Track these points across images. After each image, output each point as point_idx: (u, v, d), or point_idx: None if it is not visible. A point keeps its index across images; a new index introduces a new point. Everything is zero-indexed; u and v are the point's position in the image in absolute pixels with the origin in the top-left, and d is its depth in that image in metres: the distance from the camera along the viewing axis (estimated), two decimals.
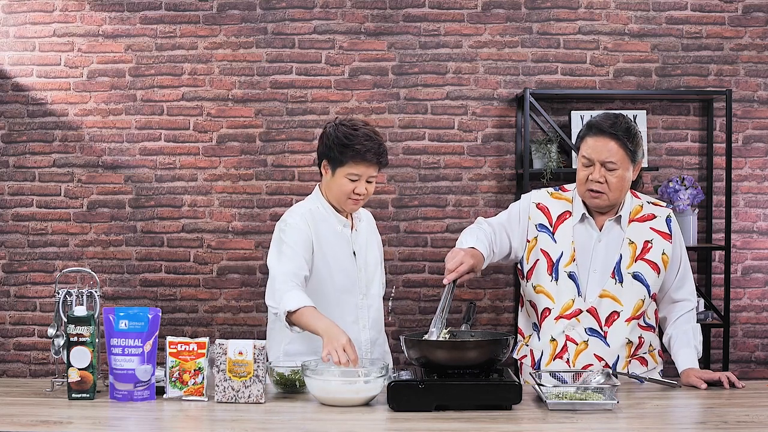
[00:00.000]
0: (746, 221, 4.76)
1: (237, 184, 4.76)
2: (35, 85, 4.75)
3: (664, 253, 2.99)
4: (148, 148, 4.76)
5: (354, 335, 3.08)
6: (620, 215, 2.99)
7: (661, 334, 3.10)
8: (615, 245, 2.98)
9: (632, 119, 3.03)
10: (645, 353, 3.02)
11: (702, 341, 3.04)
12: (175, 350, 2.68)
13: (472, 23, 4.74)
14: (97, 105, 4.75)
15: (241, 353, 2.63)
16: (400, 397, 2.51)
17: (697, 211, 4.64)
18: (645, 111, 4.68)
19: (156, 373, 2.73)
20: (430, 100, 4.75)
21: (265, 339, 2.86)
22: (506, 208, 3.16)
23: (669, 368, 3.11)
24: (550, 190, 3.10)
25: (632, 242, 2.98)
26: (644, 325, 3.01)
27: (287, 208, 3.35)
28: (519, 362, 3.12)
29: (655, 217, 3.02)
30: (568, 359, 2.96)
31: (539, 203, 3.05)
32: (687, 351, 2.97)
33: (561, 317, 2.97)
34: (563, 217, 3.02)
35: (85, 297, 2.84)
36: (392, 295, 3.37)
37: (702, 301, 4.56)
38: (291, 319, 2.83)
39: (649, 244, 2.98)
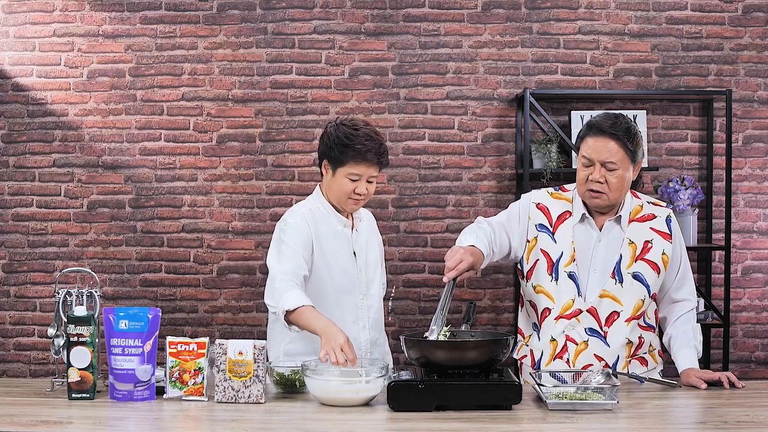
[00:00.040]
0: (746, 221, 4.76)
1: (237, 184, 4.76)
2: (35, 85, 4.75)
3: (664, 253, 2.99)
4: (148, 148, 4.76)
5: (354, 335, 3.08)
6: (620, 215, 2.99)
7: (661, 334, 3.10)
8: (615, 245, 2.98)
9: (632, 119, 3.03)
10: (645, 353, 3.02)
11: (702, 341, 3.04)
12: (175, 350, 2.68)
13: (472, 23, 4.74)
14: (97, 105, 4.75)
15: (241, 353, 2.63)
16: (400, 397, 2.51)
17: (697, 211, 4.64)
18: (645, 111, 4.68)
19: (156, 373, 2.73)
20: (430, 100, 4.75)
21: (265, 339, 2.86)
22: (506, 208, 3.16)
23: (669, 368, 3.11)
24: (550, 190, 3.10)
25: (632, 242, 2.98)
26: (644, 325, 3.01)
27: (287, 208, 3.35)
28: (519, 362, 3.12)
29: (655, 217, 3.02)
30: (568, 359, 2.96)
31: (539, 203, 3.05)
32: (687, 351, 2.97)
33: (561, 317, 2.97)
34: (563, 217, 3.02)
35: (85, 297, 2.84)
36: (392, 295, 3.38)
37: (702, 301, 4.56)
38: (289, 318, 2.83)
39: (649, 244, 2.98)
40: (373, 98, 4.74)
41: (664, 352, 3.10)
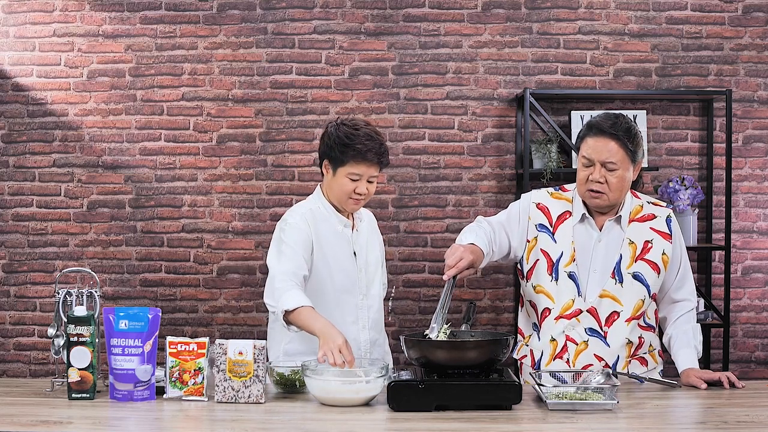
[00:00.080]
0: (746, 221, 4.76)
1: (237, 184, 4.76)
2: (35, 85, 4.75)
3: (664, 253, 2.99)
4: (148, 148, 4.76)
5: (354, 335, 3.08)
6: (620, 215, 2.99)
7: (661, 334, 3.10)
8: (615, 245, 2.98)
9: (632, 119, 3.02)
10: (645, 353, 3.02)
11: (702, 341, 3.04)
12: (175, 350, 2.68)
13: (472, 23, 4.74)
14: (97, 105, 4.75)
15: (241, 353, 2.63)
16: (400, 397, 2.51)
17: (697, 211, 4.64)
18: (645, 111, 4.68)
19: (156, 373, 2.73)
20: (430, 100, 4.75)
21: (265, 339, 2.86)
22: (506, 208, 3.16)
23: (669, 368, 3.11)
24: (550, 190, 3.10)
25: (632, 242, 2.98)
26: (644, 325, 3.01)
27: (287, 208, 3.35)
28: (519, 362, 3.12)
29: (655, 217, 3.02)
30: (568, 359, 2.96)
31: (539, 203, 3.05)
32: (687, 351, 2.97)
33: (561, 317, 2.97)
34: (563, 217, 3.02)
35: (85, 297, 2.84)
36: (392, 295, 3.38)
37: (702, 301, 4.56)
38: (288, 318, 2.83)
39: (649, 244, 2.98)
40: (373, 98, 4.74)
41: (664, 352, 3.10)
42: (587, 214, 2.99)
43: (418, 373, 2.64)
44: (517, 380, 2.55)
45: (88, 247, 4.77)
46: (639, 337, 2.99)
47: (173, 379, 2.67)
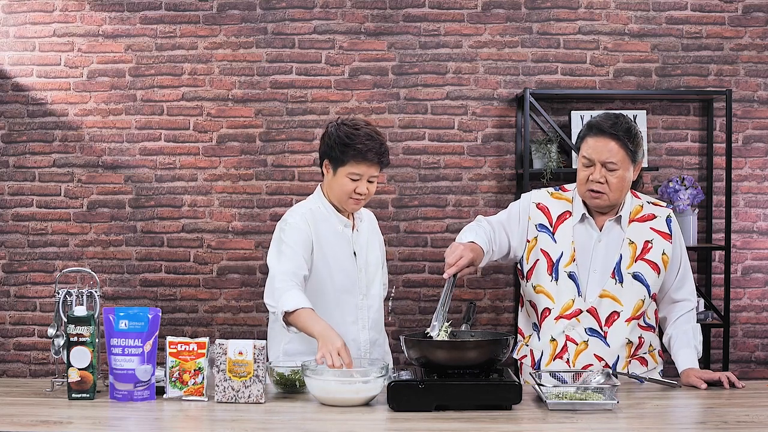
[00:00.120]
0: (746, 221, 4.76)
1: (237, 184, 4.76)
2: (35, 85, 4.75)
3: (664, 253, 2.99)
4: (148, 148, 4.76)
5: (353, 335, 3.09)
6: (620, 215, 2.99)
7: (661, 334, 3.10)
8: (615, 245, 2.98)
9: (632, 119, 3.02)
10: (645, 353, 3.02)
11: (702, 341, 3.04)
12: (175, 350, 2.68)
13: (472, 23, 4.74)
14: (97, 105, 4.75)
15: (241, 353, 2.63)
16: (400, 397, 2.51)
17: (697, 211, 4.64)
18: (645, 111, 4.68)
19: (156, 373, 2.73)
20: (430, 100, 4.75)
21: (265, 339, 2.86)
22: (506, 208, 3.16)
23: (669, 368, 3.11)
24: (551, 190, 3.10)
25: (632, 242, 2.98)
26: (644, 325, 3.01)
27: (287, 208, 3.35)
28: (519, 362, 3.12)
29: (655, 217, 3.02)
30: (568, 359, 2.96)
31: (539, 203, 3.05)
32: (687, 351, 2.97)
33: (561, 317, 2.97)
34: (563, 217, 3.01)
35: (85, 297, 2.84)
36: (392, 295, 3.38)
37: (702, 301, 4.56)
38: (288, 319, 2.83)
39: (650, 244, 2.98)
40: (373, 98, 4.74)
41: (664, 352, 3.10)
42: (587, 214, 2.99)
43: (418, 373, 2.64)
44: (517, 380, 2.55)
45: (88, 247, 4.77)
46: (639, 337, 2.99)
47: (173, 379, 2.67)
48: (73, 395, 2.67)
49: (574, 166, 4.55)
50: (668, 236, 3.01)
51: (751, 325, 4.79)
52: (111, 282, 4.77)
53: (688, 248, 3.82)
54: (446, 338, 2.69)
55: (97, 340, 2.70)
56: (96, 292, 2.86)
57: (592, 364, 2.94)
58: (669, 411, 2.60)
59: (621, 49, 4.74)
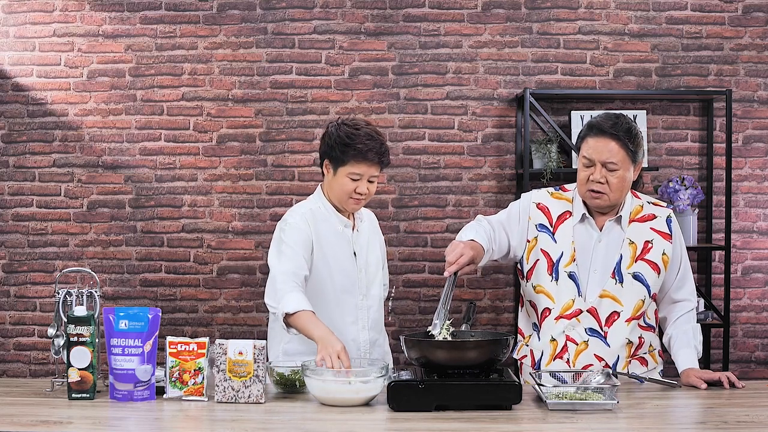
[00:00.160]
0: (746, 221, 4.76)
1: (237, 184, 4.76)
2: (35, 85, 4.75)
3: (664, 254, 2.99)
4: (148, 148, 4.76)
5: (353, 336, 3.09)
6: (620, 215, 2.99)
7: (661, 334, 3.10)
8: (615, 245, 2.98)
9: (632, 119, 3.02)
10: (645, 353, 3.02)
11: (702, 341, 3.03)
12: (175, 350, 2.68)
13: (472, 23, 4.74)
14: (97, 105, 4.75)
15: (241, 353, 2.63)
16: (400, 397, 2.51)
17: (697, 211, 4.64)
18: (645, 111, 4.68)
19: (156, 373, 2.73)
20: (430, 100, 4.75)
21: (265, 339, 2.86)
22: (506, 208, 3.16)
23: (669, 368, 3.11)
24: (551, 189, 3.10)
25: (632, 242, 2.98)
26: (644, 325, 3.01)
27: (287, 208, 3.35)
28: (519, 362, 3.12)
29: (655, 217, 3.02)
30: (568, 359, 2.96)
31: (539, 203, 3.05)
32: (687, 351, 2.97)
33: (561, 317, 2.97)
34: (563, 217, 3.01)
35: (85, 297, 2.84)
36: (392, 295, 3.38)
37: (702, 301, 4.56)
38: (288, 321, 2.84)
39: (650, 245, 2.98)
40: (373, 98, 4.74)
41: (664, 352, 3.10)
42: (587, 214, 2.99)
43: (418, 373, 2.64)
44: (517, 380, 2.55)
45: (88, 247, 4.77)
46: (639, 337, 2.99)
47: (173, 379, 2.67)
48: (73, 395, 2.67)
49: (574, 166, 4.55)
50: (668, 236, 3.01)
51: (751, 325, 4.79)
52: (111, 282, 4.77)
53: (688, 248, 3.82)
54: (448, 336, 2.69)
55: (97, 340, 2.70)
56: (96, 292, 2.86)
57: (592, 364, 2.94)
58: (669, 411, 2.60)
59: (621, 49, 4.74)
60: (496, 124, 4.76)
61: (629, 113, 4.48)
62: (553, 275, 2.98)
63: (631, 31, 4.73)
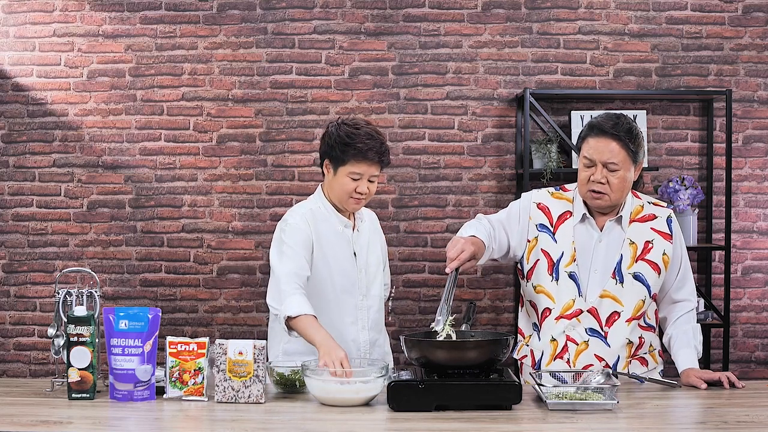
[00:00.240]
0: (746, 221, 4.76)
1: (237, 184, 4.76)
2: (35, 85, 4.75)
3: (664, 254, 2.99)
4: (148, 148, 4.76)
5: (353, 336, 3.09)
6: (621, 215, 2.99)
7: (661, 334, 3.10)
8: (616, 245, 2.98)
9: (632, 119, 3.02)
10: (645, 353, 3.02)
11: (702, 341, 3.04)
12: (175, 350, 2.68)
13: (472, 23, 4.74)
14: (97, 105, 4.75)
15: (241, 353, 2.63)
16: (400, 397, 2.51)
17: (697, 211, 4.64)
18: (645, 111, 4.68)
19: (156, 373, 2.73)
20: (430, 100, 4.75)
21: (265, 339, 2.86)
22: (506, 207, 3.15)
23: (669, 368, 3.11)
24: (551, 189, 3.10)
25: (633, 242, 2.98)
26: (644, 325, 3.01)
27: (287, 208, 3.35)
28: (519, 362, 3.12)
29: (655, 217, 3.02)
30: (568, 359, 2.96)
31: (540, 203, 3.05)
32: (687, 351, 2.97)
33: (561, 317, 2.97)
34: (564, 217, 3.01)
35: (85, 297, 2.84)
36: (392, 295, 3.38)
37: (702, 301, 4.56)
38: (290, 324, 2.84)
39: (650, 245, 2.98)
40: (373, 98, 4.74)
41: (665, 352, 3.10)
42: (588, 214, 2.99)
43: (418, 373, 2.64)
44: (517, 380, 2.55)
45: (88, 247, 4.77)
46: (639, 337, 2.99)
47: (173, 379, 2.67)
48: (73, 395, 2.67)
49: (574, 166, 4.55)
50: (669, 236, 3.01)
51: (751, 325, 4.79)
52: (111, 282, 4.77)
53: (688, 248, 3.82)
54: (451, 332, 2.69)
55: (97, 340, 2.70)
56: (96, 292, 2.86)
57: (592, 364, 2.94)
58: (669, 411, 2.60)
59: (621, 49, 4.74)
60: (496, 124, 4.76)
61: (629, 113, 4.48)
62: (554, 275, 2.98)
63: (631, 31, 4.73)
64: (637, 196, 3.06)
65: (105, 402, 2.65)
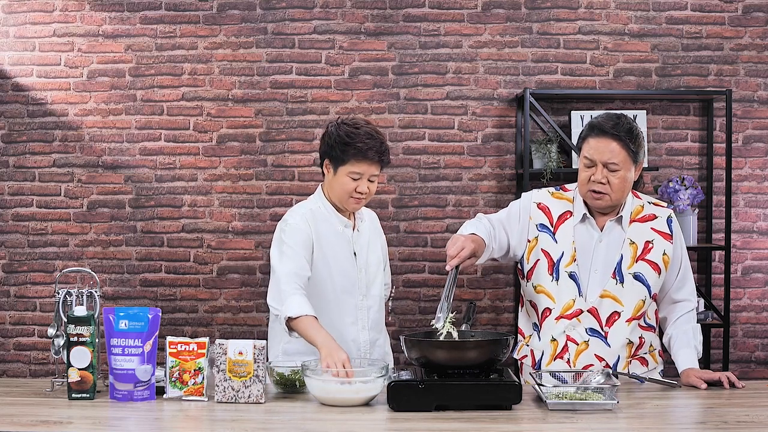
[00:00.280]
0: (746, 221, 4.76)
1: (237, 184, 4.76)
2: (35, 85, 4.75)
3: (664, 254, 2.99)
4: (148, 148, 4.76)
5: (353, 336, 3.09)
6: (621, 215, 2.99)
7: (661, 334, 3.10)
8: (616, 245, 2.98)
9: (633, 119, 3.03)
10: (645, 353, 3.02)
11: (702, 341, 3.04)
12: (175, 350, 2.68)
13: (472, 23, 4.74)
14: (97, 105, 4.75)
15: (241, 353, 2.63)
16: (400, 397, 2.51)
17: (697, 211, 4.64)
18: (645, 111, 4.68)
19: (156, 373, 2.73)
20: (430, 100, 4.75)
21: (265, 339, 2.86)
22: (506, 207, 3.15)
23: (669, 368, 3.11)
24: (551, 189, 3.10)
25: (633, 242, 2.97)
26: (645, 325, 3.01)
27: (287, 208, 3.35)
28: (519, 362, 3.12)
29: (656, 217, 3.02)
30: (568, 359, 2.96)
31: (540, 203, 3.05)
32: (687, 351, 2.97)
33: (562, 317, 2.97)
34: (564, 217, 3.01)
35: (85, 297, 2.84)
36: (392, 295, 3.38)
37: (702, 301, 4.56)
38: (290, 324, 2.84)
39: (650, 245, 2.98)
40: (373, 98, 4.74)
41: (665, 352, 3.10)
42: (588, 214, 2.99)
43: (418, 373, 2.64)
44: (517, 380, 2.55)
45: (88, 247, 4.77)
46: (639, 338, 2.99)
47: (173, 379, 2.67)
48: (73, 395, 2.67)
49: (574, 166, 4.55)
50: (669, 236, 3.01)
51: (751, 325, 4.79)
52: (111, 282, 4.77)
53: (688, 248, 3.82)
54: (451, 329, 2.69)
55: (97, 340, 2.70)
56: (96, 292, 2.86)
57: (592, 364, 2.94)
58: (669, 411, 2.60)
59: (621, 49, 4.74)
60: (496, 124, 4.76)
61: (629, 113, 4.48)
62: (554, 275, 2.98)
63: (631, 31, 4.73)
64: (638, 196, 3.06)
65: (105, 402, 2.65)
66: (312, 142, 4.70)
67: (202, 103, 4.75)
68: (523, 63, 4.73)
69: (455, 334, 2.69)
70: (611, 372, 2.78)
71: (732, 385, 2.86)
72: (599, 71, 4.74)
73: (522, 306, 3.15)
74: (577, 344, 2.95)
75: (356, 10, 4.73)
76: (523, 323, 3.13)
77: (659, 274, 2.98)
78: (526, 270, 3.04)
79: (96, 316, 2.75)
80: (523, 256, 3.05)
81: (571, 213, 3.01)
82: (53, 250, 4.78)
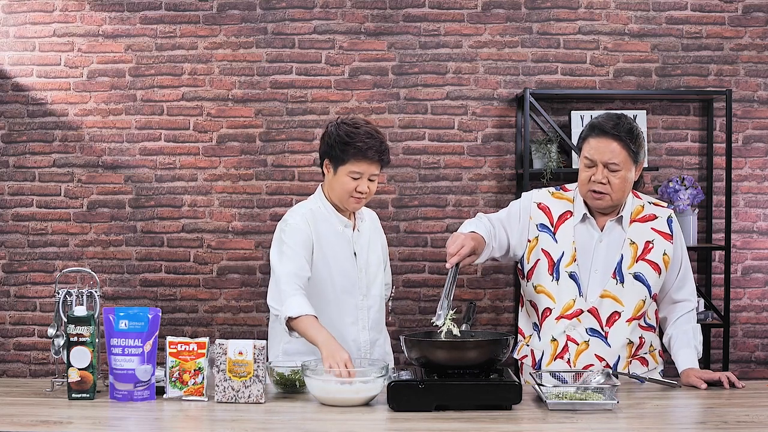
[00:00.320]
0: (746, 221, 4.76)
1: (237, 184, 4.76)
2: (35, 85, 4.75)
3: (665, 254, 2.99)
4: (148, 148, 4.76)
5: (353, 336, 3.09)
6: (621, 215, 2.99)
7: (661, 334, 3.10)
8: (616, 245, 2.98)
9: (633, 119, 3.03)
10: (646, 353, 3.02)
11: (702, 341, 3.04)
12: (175, 350, 2.68)
13: (472, 23, 4.74)
14: (97, 105, 4.75)
15: (241, 353, 2.63)
16: (400, 397, 2.51)
17: (697, 211, 4.64)
18: (645, 111, 4.68)
19: (156, 373, 2.73)
20: (430, 100, 4.75)
21: (265, 339, 2.86)
22: (506, 207, 3.15)
23: (669, 368, 3.11)
24: (552, 189, 3.10)
25: (633, 242, 2.97)
26: (645, 325, 3.01)
27: (287, 208, 3.35)
28: (519, 362, 3.12)
29: (656, 217, 3.02)
30: (568, 359, 2.96)
31: (540, 203, 3.05)
32: (687, 351, 2.97)
33: (562, 317, 2.97)
34: (564, 217, 3.01)
35: (85, 297, 2.84)
36: (392, 295, 3.38)
37: (702, 301, 4.56)
38: (290, 324, 2.84)
39: (651, 245, 2.98)
40: (373, 98, 4.74)
41: (665, 352, 3.10)
42: (588, 214, 2.99)
43: (418, 373, 2.64)
44: (517, 380, 2.55)
45: (88, 247, 4.77)
46: (640, 338, 2.99)
47: (173, 379, 2.67)
48: (73, 395, 2.67)
49: (574, 166, 4.55)
50: (669, 236, 3.01)
51: (751, 325, 4.79)
52: (111, 282, 4.77)
53: (689, 248, 3.82)
54: (451, 327, 2.69)
55: (97, 340, 2.70)
56: (96, 292, 2.86)
57: (592, 364, 2.94)
58: (669, 411, 2.60)
59: (621, 49, 4.74)
60: (496, 124, 4.76)
61: (629, 113, 4.48)
62: (554, 275, 2.98)
63: (631, 31, 4.73)
64: (638, 196, 3.06)
65: (105, 402, 2.65)
66: (312, 142, 4.70)
67: (202, 103, 4.75)
68: (523, 63, 4.73)
69: (456, 331, 2.69)
70: (611, 372, 2.78)
71: (732, 385, 2.86)
72: (599, 71, 4.74)
73: (522, 306, 3.15)
74: (578, 344, 2.95)
75: (356, 10, 4.73)
76: (523, 323, 3.13)
77: (659, 274, 2.98)
78: (526, 270, 3.04)
79: (96, 316, 2.75)
80: (523, 256, 3.05)
81: (571, 213, 3.01)
82: (53, 250, 4.78)
